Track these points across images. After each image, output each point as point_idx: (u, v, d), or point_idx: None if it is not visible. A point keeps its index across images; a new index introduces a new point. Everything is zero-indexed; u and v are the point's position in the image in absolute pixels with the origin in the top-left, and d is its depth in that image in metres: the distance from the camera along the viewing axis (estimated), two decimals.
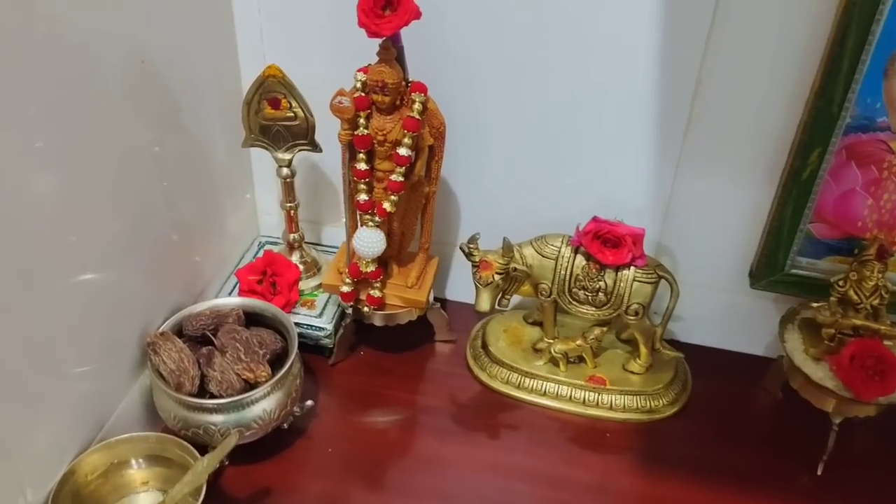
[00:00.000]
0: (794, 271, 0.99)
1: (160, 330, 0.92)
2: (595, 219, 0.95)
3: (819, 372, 0.92)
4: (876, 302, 0.92)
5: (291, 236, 1.08)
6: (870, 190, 0.92)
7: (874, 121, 0.87)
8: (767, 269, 1.00)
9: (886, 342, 0.91)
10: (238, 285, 1.06)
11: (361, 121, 0.89)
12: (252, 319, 0.98)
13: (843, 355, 0.89)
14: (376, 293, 1.00)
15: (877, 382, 0.88)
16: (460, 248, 0.99)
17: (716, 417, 1.02)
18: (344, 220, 1.16)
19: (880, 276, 0.91)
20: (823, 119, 0.87)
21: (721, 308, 1.08)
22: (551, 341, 1.04)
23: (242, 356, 0.89)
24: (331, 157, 1.02)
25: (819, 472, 0.95)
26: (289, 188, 1.03)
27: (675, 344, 1.05)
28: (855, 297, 0.92)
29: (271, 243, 1.17)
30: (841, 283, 0.93)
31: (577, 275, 0.97)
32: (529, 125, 1.02)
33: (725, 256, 1.04)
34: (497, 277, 0.97)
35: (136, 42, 0.85)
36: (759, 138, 0.94)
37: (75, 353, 0.83)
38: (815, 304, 0.96)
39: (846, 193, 0.93)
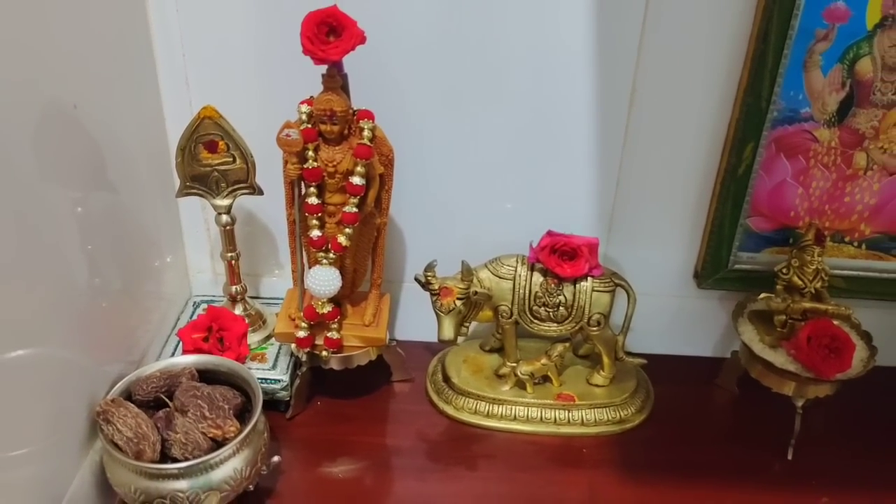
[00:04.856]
0: (737, 266, 1.03)
1: (109, 397, 0.84)
2: (549, 233, 0.96)
3: (779, 358, 0.95)
4: (818, 285, 0.96)
5: (234, 288, 1.02)
6: (799, 179, 0.98)
7: (798, 112, 0.93)
8: (712, 268, 1.03)
9: (835, 321, 0.95)
10: (181, 346, 0.99)
11: (310, 153, 0.87)
12: (204, 378, 0.91)
13: (800, 338, 0.93)
14: (334, 335, 0.96)
15: (834, 359, 0.92)
16: (415, 279, 0.97)
17: (683, 420, 1.04)
18: (278, 271, 1.13)
19: (819, 259, 0.96)
20: (754, 115, 0.92)
21: (670, 313, 1.11)
22: (514, 364, 1.02)
23: (207, 413, 0.82)
24: (265, 203, 0.99)
25: (790, 457, 0.97)
26: (229, 237, 0.98)
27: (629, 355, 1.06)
28: (799, 283, 0.96)
29: (207, 302, 1.11)
30: (784, 270, 0.97)
31: (536, 292, 0.97)
32: (469, 152, 1.02)
33: (671, 261, 1.07)
34: (459, 303, 0.95)
35: (61, 90, 0.79)
36: (695, 140, 0.98)
37: (13, 436, 0.73)
38: (762, 296, 1.00)
39: (778, 185, 0.98)
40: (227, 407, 0.84)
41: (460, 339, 1.00)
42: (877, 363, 0.95)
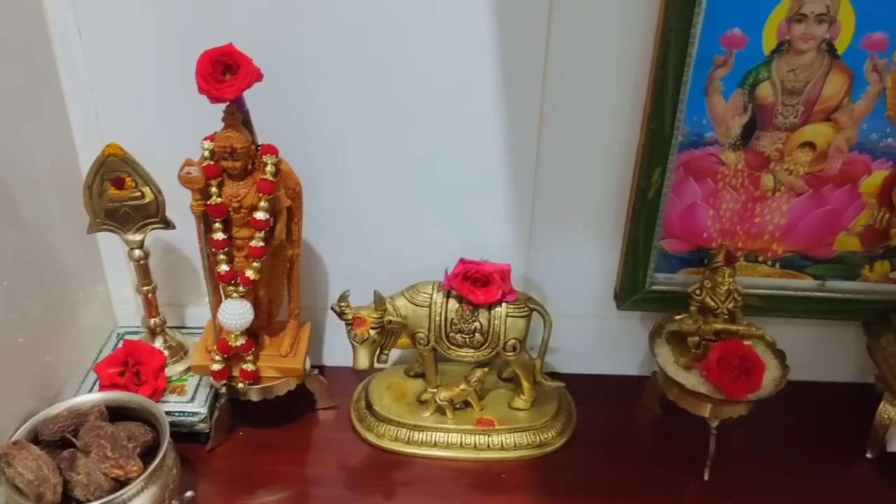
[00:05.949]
0: (654, 288, 1.04)
1: (12, 439, 0.84)
2: (462, 260, 0.96)
3: (692, 380, 0.96)
4: (731, 306, 0.97)
5: (152, 321, 1.02)
6: (709, 201, 0.98)
7: (703, 136, 0.94)
8: (630, 289, 1.04)
9: (746, 342, 0.96)
10: (98, 382, 0.98)
11: (213, 189, 0.87)
12: (117, 415, 0.91)
13: (710, 360, 0.94)
14: (249, 367, 0.96)
15: (744, 380, 0.93)
16: (332, 309, 0.97)
17: (604, 441, 1.04)
18: (207, 299, 1.13)
19: (731, 280, 0.97)
20: (658, 140, 0.93)
21: (593, 334, 1.11)
22: (435, 390, 1.03)
23: (109, 453, 0.82)
24: (185, 233, 0.98)
25: (706, 478, 0.98)
26: (143, 271, 0.98)
27: (554, 375, 1.07)
28: (712, 304, 0.97)
29: (131, 333, 1.11)
30: (697, 291, 0.98)
31: (452, 318, 0.97)
32: (386, 180, 1.02)
33: (590, 283, 1.08)
34: (373, 332, 0.95)
35: None
36: (605, 165, 0.98)
37: None
38: (678, 317, 1.00)
39: (689, 207, 0.99)
40: (131, 446, 0.84)
41: (379, 365, 1.00)
42: (793, 378, 0.96)
